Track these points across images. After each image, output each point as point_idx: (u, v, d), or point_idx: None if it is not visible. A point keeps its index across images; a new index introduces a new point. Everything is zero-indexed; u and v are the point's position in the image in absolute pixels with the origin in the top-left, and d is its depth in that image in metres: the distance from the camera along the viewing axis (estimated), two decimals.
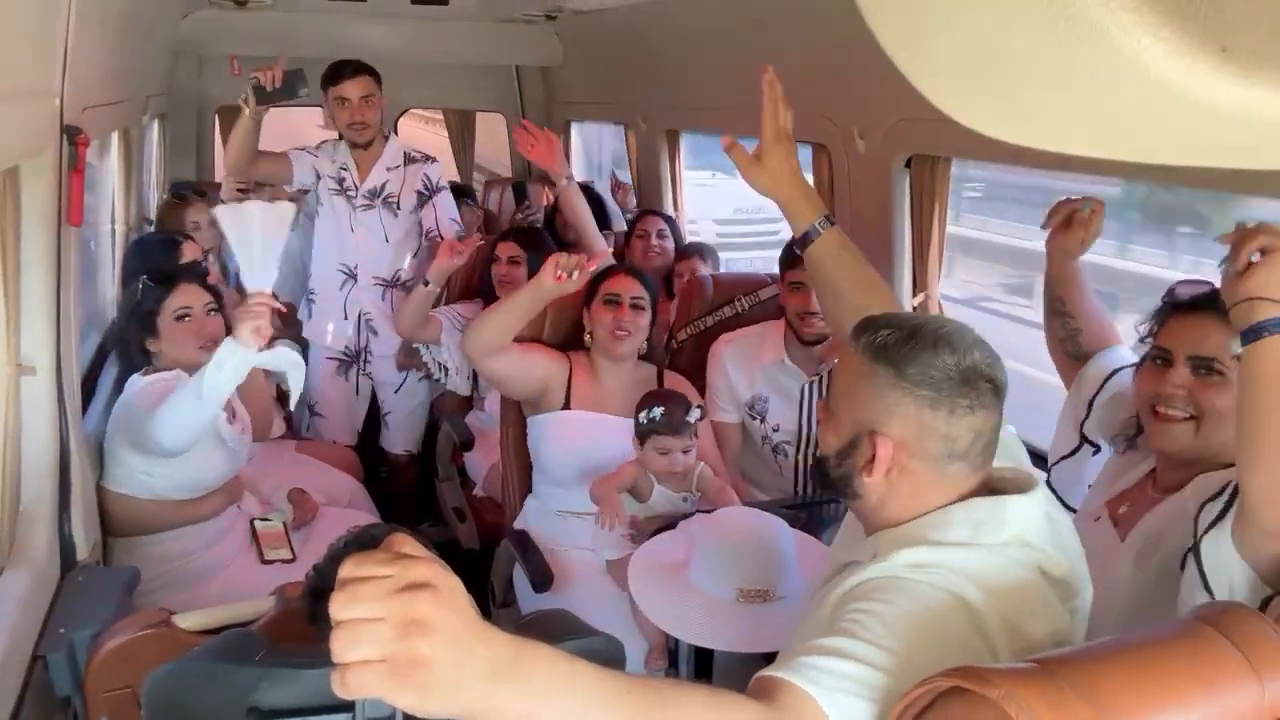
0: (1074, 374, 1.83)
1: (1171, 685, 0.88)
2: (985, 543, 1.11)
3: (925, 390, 1.13)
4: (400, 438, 3.52)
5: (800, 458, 2.57)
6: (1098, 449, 1.73)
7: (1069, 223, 1.77)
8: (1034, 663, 0.89)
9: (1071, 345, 1.85)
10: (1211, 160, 0.55)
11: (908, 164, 2.55)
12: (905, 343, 1.15)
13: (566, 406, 2.40)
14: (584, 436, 2.37)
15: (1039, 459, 2.43)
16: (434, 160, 3.37)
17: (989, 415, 1.15)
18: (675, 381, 2.50)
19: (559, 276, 2.14)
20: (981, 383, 1.14)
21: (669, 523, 2.13)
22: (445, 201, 3.33)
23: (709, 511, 2.10)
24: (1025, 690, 0.84)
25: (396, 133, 4.23)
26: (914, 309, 2.64)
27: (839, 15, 2.33)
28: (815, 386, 2.52)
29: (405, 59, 4.67)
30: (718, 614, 1.81)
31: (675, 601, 1.87)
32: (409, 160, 3.29)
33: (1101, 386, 1.72)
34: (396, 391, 3.45)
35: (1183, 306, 1.50)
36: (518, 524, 2.50)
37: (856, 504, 1.22)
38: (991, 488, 1.18)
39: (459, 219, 3.41)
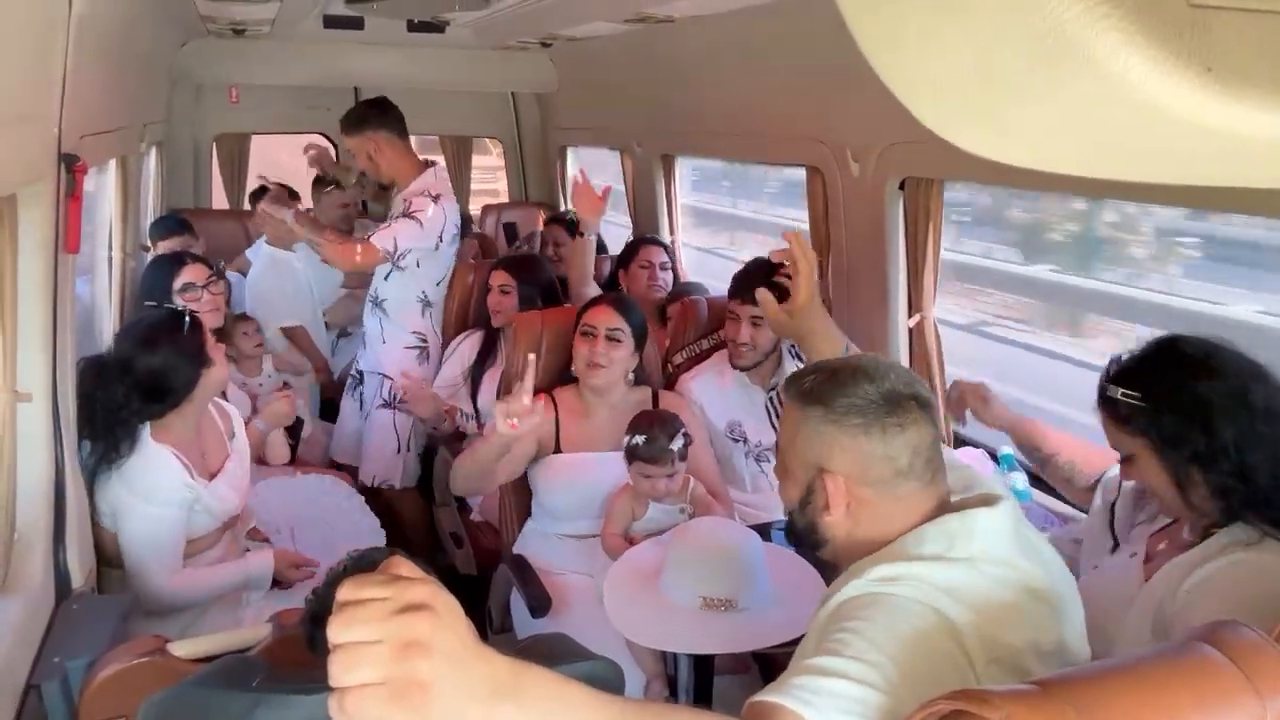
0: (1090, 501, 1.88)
1: (1172, 705, 0.88)
2: (957, 556, 1.16)
3: (855, 419, 1.22)
4: (370, 467, 3.34)
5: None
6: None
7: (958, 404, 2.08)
8: (1035, 684, 0.89)
9: (1079, 478, 1.92)
10: (1197, 178, 0.56)
11: (901, 186, 2.57)
12: (828, 382, 1.24)
13: (558, 449, 2.40)
14: (577, 476, 2.38)
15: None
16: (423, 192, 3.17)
17: (921, 430, 1.23)
18: (673, 403, 2.50)
19: (511, 424, 2.01)
20: (906, 401, 1.23)
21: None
22: (401, 225, 3.10)
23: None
24: (1026, 712, 0.83)
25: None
26: (910, 331, 2.65)
27: (831, 40, 2.35)
28: (775, 397, 2.66)
29: (402, 86, 4.71)
30: (680, 621, 1.82)
31: (639, 608, 1.87)
32: (414, 191, 3.20)
33: (1119, 492, 1.75)
34: (366, 419, 3.35)
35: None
36: (516, 548, 2.49)
37: (829, 550, 1.28)
38: (958, 508, 1.23)
39: (393, 247, 3.12)
